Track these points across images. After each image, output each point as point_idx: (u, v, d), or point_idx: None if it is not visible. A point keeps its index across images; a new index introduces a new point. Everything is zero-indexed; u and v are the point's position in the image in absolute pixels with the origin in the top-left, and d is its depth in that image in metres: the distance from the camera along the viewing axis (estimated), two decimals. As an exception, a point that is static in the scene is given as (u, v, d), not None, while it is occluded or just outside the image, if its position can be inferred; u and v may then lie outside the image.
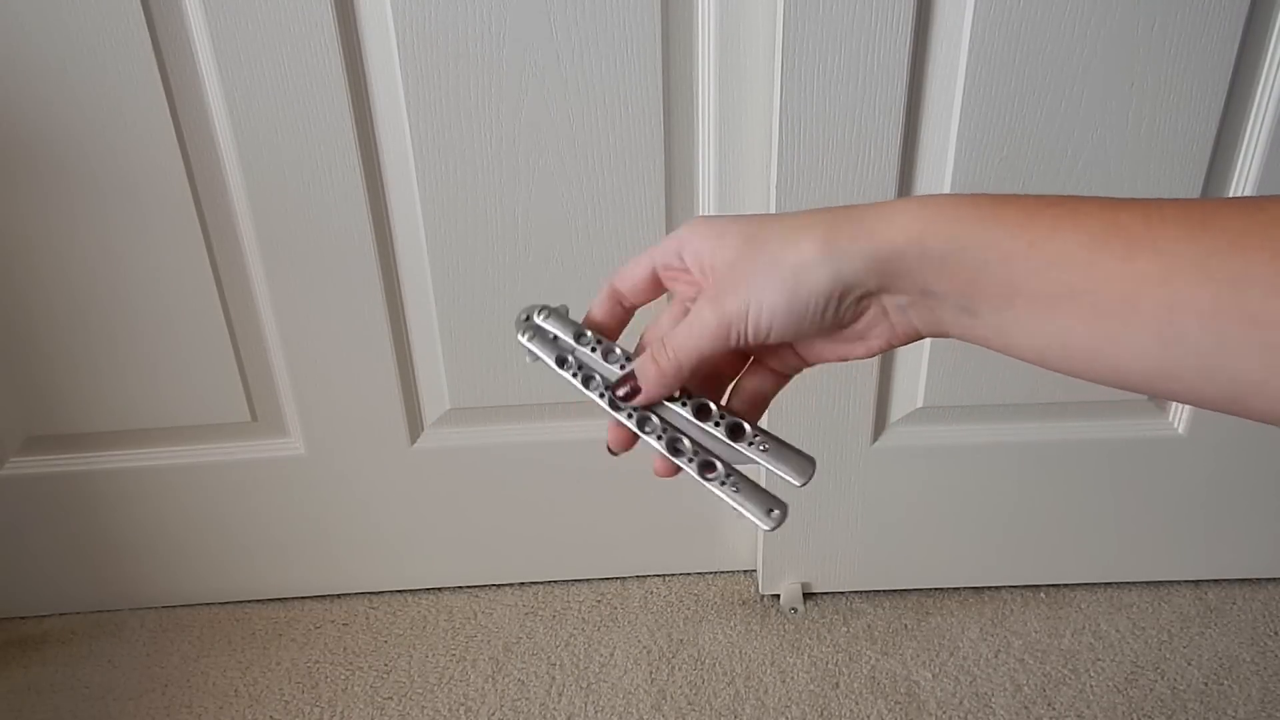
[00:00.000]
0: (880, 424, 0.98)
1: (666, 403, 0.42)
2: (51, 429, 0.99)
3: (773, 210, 0.84)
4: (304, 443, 1.01)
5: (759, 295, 0.37)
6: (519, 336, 0.45)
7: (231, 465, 1.02)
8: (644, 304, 0.45)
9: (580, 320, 0.45)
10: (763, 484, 0.41)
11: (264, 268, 0.90)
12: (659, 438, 0.42)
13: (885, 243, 0.35)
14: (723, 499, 0.40)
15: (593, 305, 0.45)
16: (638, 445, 0.43)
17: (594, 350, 0.44)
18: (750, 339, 0.38)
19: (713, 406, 0.41)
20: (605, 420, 0.44)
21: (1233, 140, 0.83)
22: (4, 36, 0.78)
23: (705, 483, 0.41)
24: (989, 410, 0.97)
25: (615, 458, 0.45)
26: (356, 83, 0.81)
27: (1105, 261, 0.31)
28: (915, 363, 0.94)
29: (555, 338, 0.44)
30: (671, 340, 0.40)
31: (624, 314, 0.45)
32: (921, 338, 0.38)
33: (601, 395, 0.43)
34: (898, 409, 0.97)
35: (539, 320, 0.45)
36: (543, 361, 0.44)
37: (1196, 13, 0.76)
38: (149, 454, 1.01)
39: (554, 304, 0.45)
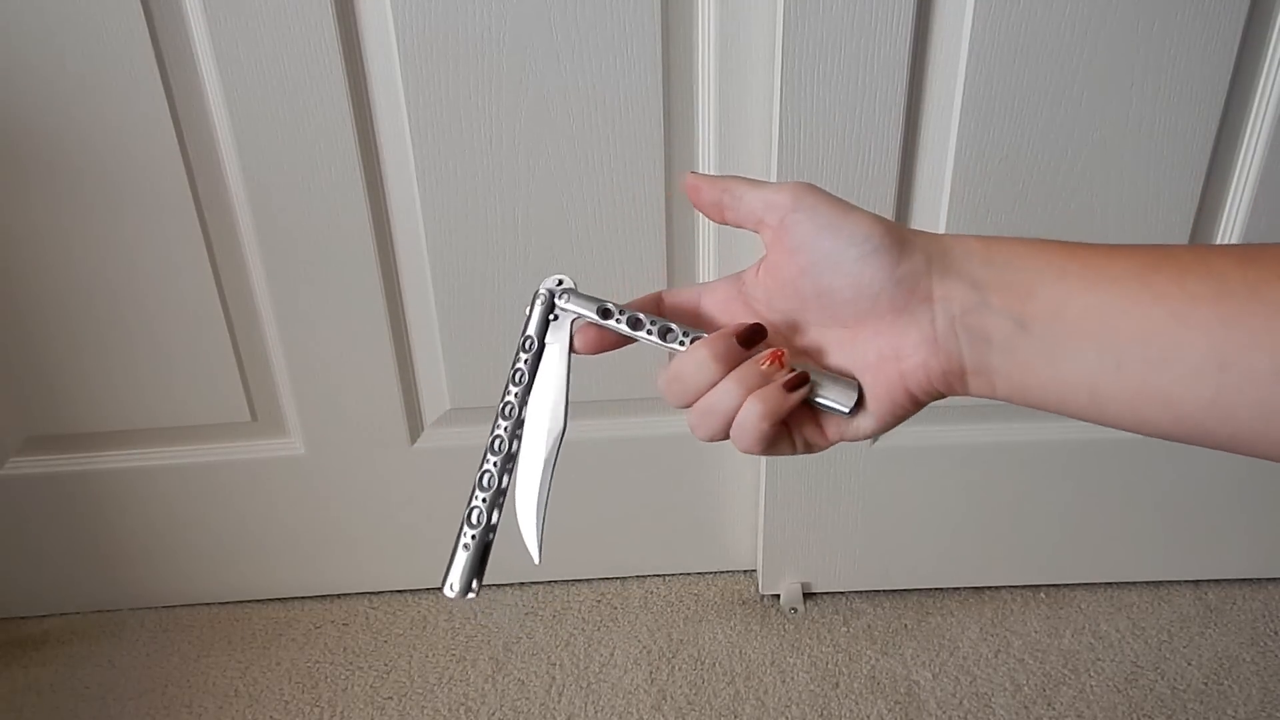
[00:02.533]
0: (880, 424, 0.98)
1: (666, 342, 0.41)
2: (51, 429, 0.99)
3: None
4: (304, 443, 1.01)
5: (818, 205, 0.37)
6: (560, 302, 0.44)
7: (231, 465, 1.01)
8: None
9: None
10: None
11: (264, 268, 0.90)
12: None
13: (957, 241, 0.36)
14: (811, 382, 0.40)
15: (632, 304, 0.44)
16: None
17: (619, 321, 0.43)
18: (791, 237, 0.38)
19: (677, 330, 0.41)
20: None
21: (1233, 140, 0.83)
22: (4, 36, 0.78)
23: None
24: (989, 410, 0.97)
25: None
26: (356, 83, 0.81)
27: (1158, 282, 0.32)
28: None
29: (577, 317, 0.44)
30: (739, 186, 0.40)
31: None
32: (961, 372, 0.36)
33: (649, 333, 0.41)
34: (898, 409, 0.97)
35: (561, 303, 0.44)
36: (587, 319, 0.43)
37: (1196, 13, 0.76)
38: (149, 454, 1.01)
39: (567, 283, 0.45)
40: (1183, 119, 0.81)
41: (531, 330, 0.44)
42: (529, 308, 0.44)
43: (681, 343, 0.41)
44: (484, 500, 0.43)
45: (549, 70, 0.80)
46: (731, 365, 0.38)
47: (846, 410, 0.38)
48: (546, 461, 0.43)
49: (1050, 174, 0.83)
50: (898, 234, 0.36)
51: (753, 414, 0.38)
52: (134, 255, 0.89)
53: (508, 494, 0.44)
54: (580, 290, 0.44)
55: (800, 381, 0.38)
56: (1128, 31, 0.77)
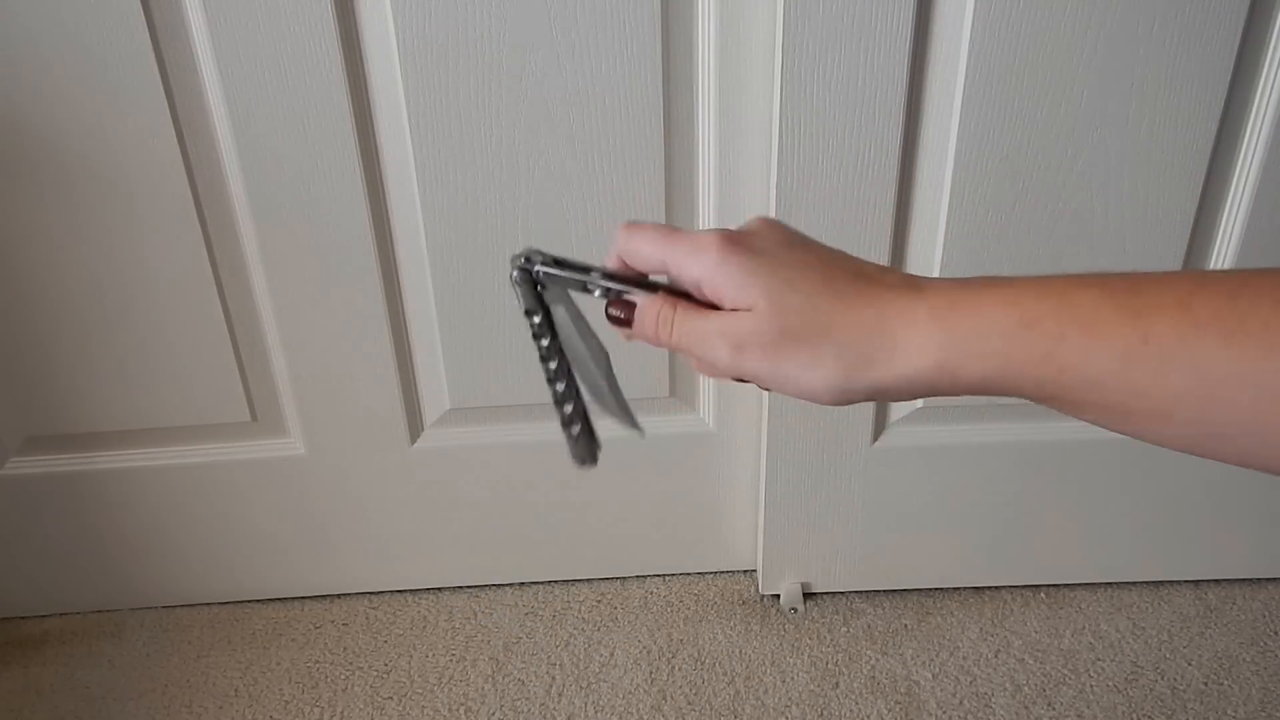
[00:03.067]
0: (880, 424, 0.98)
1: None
2: (51, 429, 0.99)
3: (772, 210, 0.84)
4: (304, 443, 1.01)
5: (804, 377, 0.38)
6: (537, 266, 0.45)
7: (231, 465, 1.02)
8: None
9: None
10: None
11: (264, 268, 0.90)
12: (554, 370, 0.47)
13: (916, 374, 0.36)
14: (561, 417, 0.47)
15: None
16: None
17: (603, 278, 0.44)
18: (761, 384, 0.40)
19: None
20: (603, 421, 0.47)
21: (1233, 140, 0.83)
22: (4, 36, 0.78)
23: (555, 406, 0.46)
24: (989, 410, 0.97)
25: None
26: (356, 83, 0.81)
27: (1148, 287, 0.34)
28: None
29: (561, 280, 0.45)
30: (682, 328, 0.40)
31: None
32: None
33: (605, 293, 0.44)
34: (898, 409, 0.97)
35: (542, 268, 0.45)
36: (558, 277, 0.44)
37: (1196, 13, 0.76)
38: (149, 454, 1.01)
39: (545, 253, 0.45)
40: (1183, 119, 0.81)
41: (529, 305, 0.46)
42: (514, 287, 0.45)
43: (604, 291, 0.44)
44: (564, 387, 0.47)
45: (549, 70, 0.80)
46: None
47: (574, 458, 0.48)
48: (610, 383, 0.46)
49: (1050, 174, 0.83)
50: (858, 387, 0.38)
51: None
52: (134, 255, 0.89)
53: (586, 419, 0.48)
54: (545, 258, 0.45)
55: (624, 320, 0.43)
56: (1128, 31, 0.77)
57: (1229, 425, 0.31)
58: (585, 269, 0.44)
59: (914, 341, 0.36)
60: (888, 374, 0.36)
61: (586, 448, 0.48)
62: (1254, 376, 0.30)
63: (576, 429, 0.47)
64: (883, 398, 0.38)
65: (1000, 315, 0.35)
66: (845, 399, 0.38)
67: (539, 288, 0.45)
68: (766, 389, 0.40)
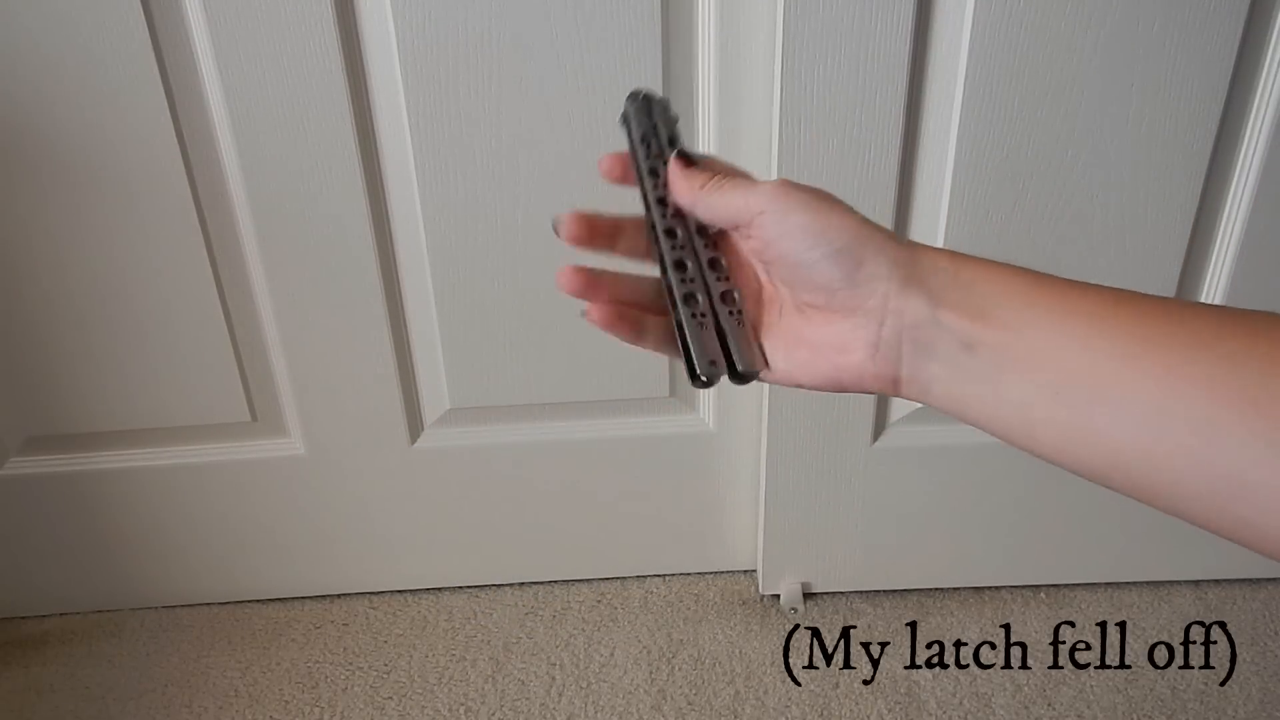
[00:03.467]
0: (880, 424, 0.98)
1: (697, 238, 0.42)
2: (51, 429, 0.99)
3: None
4: (304, 443, 1.01)
5: (793, 205, 0.38)
6: (627, 119, 0.46)
7: (231, 465, 1.02)
8: None
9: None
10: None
11: (264, 268, 0.90)
12: (673, 247, 0.42)
13: (930, 256, 0.37)
14: (681, 325, 0.40)
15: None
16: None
17: (652, 168, 0.45)
18: (756, 242, 0.39)
19: (724, 262, 0.42)
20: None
21: (1233, 140, 0.83)
22: (4, 36, 0.78)
23: (678, 308, 0.40)
24: (989, 410, 0.97)
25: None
26: (356, 83, 0.81)
27: (1119, 314, 0.32)
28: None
29: (656, 125, 0.45)
30: (721, 185, 0.41)
31: None
32: (891, 385, 0.38)
33: (654, 189, 0.44)
34: (898, 409, 0.97)
35: (648, 111, 0.45)
36: (633, 151, 0.45)
37: (1196, 13, 0.76)
38: (149, 454, 1.01)
39: (654, 94, 0.46)
40: (1183, 119, 0.81)
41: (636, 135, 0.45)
42: (632, 122, 0.45)
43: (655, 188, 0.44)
44: (689, 285, 0.41)
45: (549, 70, 0.80)
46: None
47: (690, 378, 0.39)
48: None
49: (1050, 174, 0.83)
50: (866, 238, 0.37)
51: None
52: (134, 255, 0.89)
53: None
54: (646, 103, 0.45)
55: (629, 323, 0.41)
56: (1128, 31, 0.77)
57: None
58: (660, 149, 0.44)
59: (931, 258, 0.37)
60: (905, 240, 0.37)
61: (709, 349, 0.40)
62: (1213, 342, 0.30)
63: (703, 319, 0.40)
64: (878, 261, 0.37)
65: (1006, 274, 0.36)
66: (855, 255, 0.36)
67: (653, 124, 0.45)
68: (775, 235, 0.38)
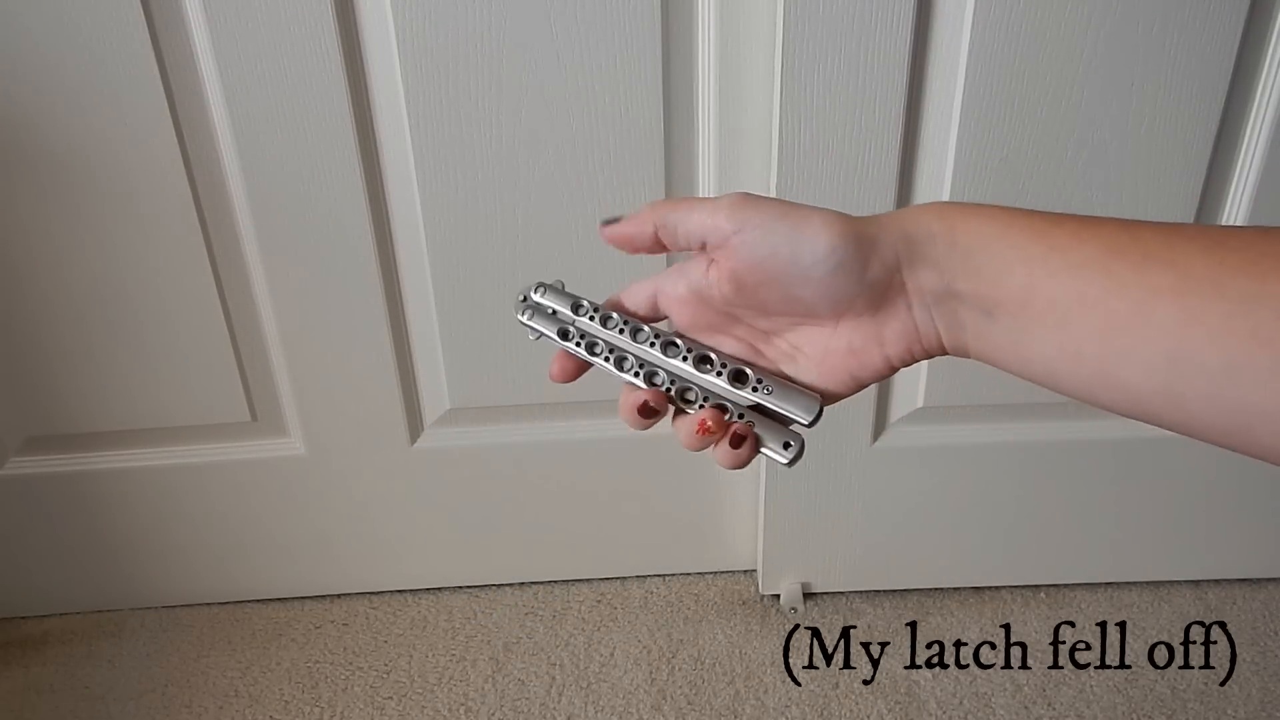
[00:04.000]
0: (880, 424, 0.98)
1: (667, 359, 0.42)
2: (51, 429, 0.99)
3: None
4: (304, 443, 1.01)
5: (767, 223, 0.36)
6: (519, 316, 0.45)
7: (231, 465, 1.02)
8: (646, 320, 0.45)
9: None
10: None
11: (264, 268, 0.90)
12: (668, 389, 0.41)
13: (920, 225, 0.36)
14: (752, 429, 0.40)
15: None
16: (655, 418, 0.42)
17: (592, 318, 0.44)
18: (740, 261, 0.37)
19: (713, 355, 0.41)
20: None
21: (1233, 140, 0.83)
22: (4, 36, 0.78)
23: (736, 393, 0.40)
24: (989, 410, 0.97)
25: (637, 433, 0.44)
26: (356, 83, 0.81)
27: (1121, 271, 0.32)
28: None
29: (555, 312, 0.45)
30: (677, 200, 0.39)
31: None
32: (943, 352, 0.38)
33: (607, 359, 0.43)
34: (898, 409, 0.97)
35: (536, 297, 0.45)
36: (546, 337, 0.44)
37: (1196, 13, 0.76)
38: (149, 454, 1.01)
39: (549, 280, 0.46)
40: (1183, 119, 0.81)
41: (551, 332, 0.44)
42: (526, 318, 0.45)
43: (608, 359, 0.42)
44: (708, 403, 0.41)
45: (549, 70, 0.80)
46: (659, 417, 0.41)
47: (785, 462, 0.39)
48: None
49: (1050, 174, 0.83)
50: (857, 236, 0.36)
51: (718, 460, 0.39)
52: (134, 255, 0.89)
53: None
54: (554, 286, 0.45)
55: (742, 437, 0.39)
56: (1128, 31, 0.77)
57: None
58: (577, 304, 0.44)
59: (918, 207, 0.36)
60: (884, 217, 0.36)
61: (774, 435, 0.39)
62: (1229, 284, 0.30)
63: (744, 417, 0.39)
64: (879, 256, 0.36)
65: (1003, 208, 0.36)
66: (842, 251, 0.35)
67: (551, 312, 0.45)
68: (757, 264, 0.37)
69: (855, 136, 0.81)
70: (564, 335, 0.44)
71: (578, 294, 0.45)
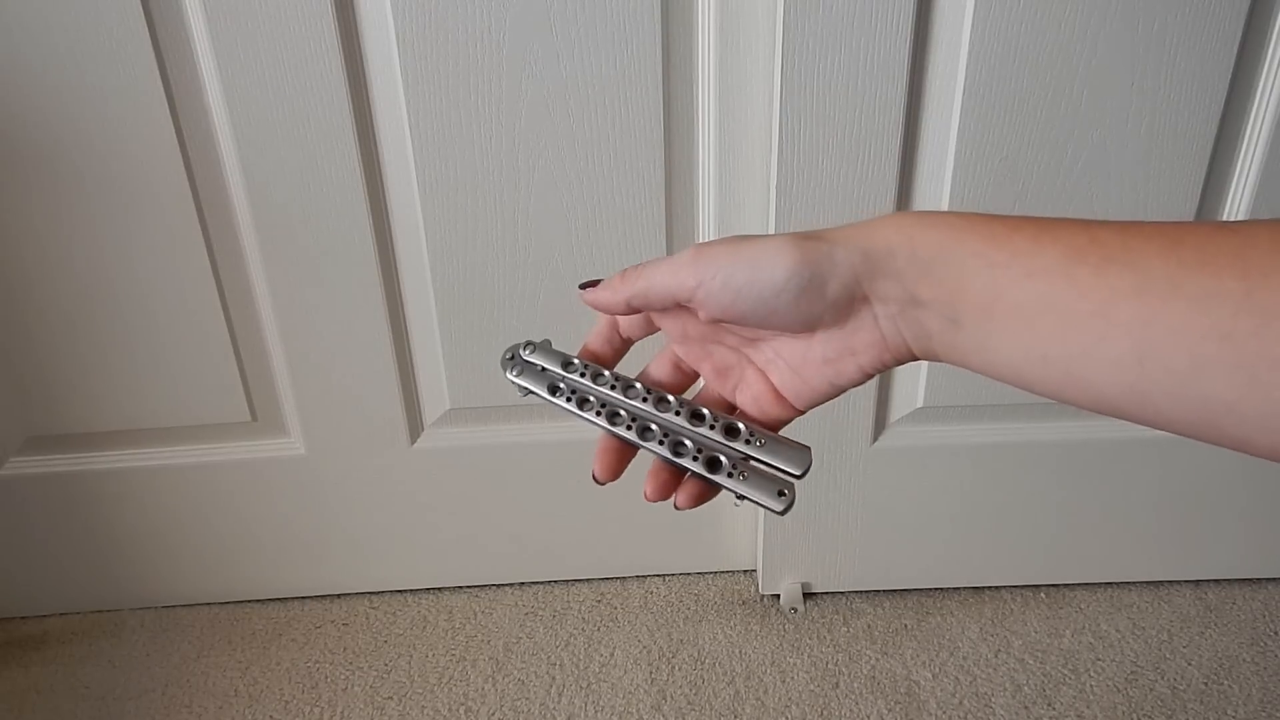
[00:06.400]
0: (880, 424, 0.98)
1: (659, 414, 0.43)
2: (51, 429, 0.99)
3: (771, 210, 0.84)
4: (304, 443, 1.01)
5: (725, 269, 0.38)
6: (507, 375, 0.45)
7: (231, 465, 1.02)
8: (640, 338, 0.46)
9: (578, 350, 0.46)
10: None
11: (264, 268, 0.90)
12: (660, 443, 0.42)
13: (878, 240, 0.36)
14: (733, 490, 0.41)
15: (590, 336, 0.46)
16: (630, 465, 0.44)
17: (583, 375, 0.44)
18: (703, 312, 0.39)
19: (706, 412, 0.42)
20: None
21: (1232, 140, 0.83)
22: (4, 36, 0.78)
23: (713, 477, 0.41)
24: (989, 410, 0.97)
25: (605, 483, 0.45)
26: (356, 83, 0.81)
27: (1081, 275, 0.32)
28: (915, 362, 0.94)
29: (544, 369, 0.45)
30: (642, 266, 0.41)
31: (621, 344, 0.46)
32: (913, 358, 0.38)
33: (598, 414, 0.43)
34: (898, 409, 0.97)
35: (525, 355, 0.46)
36: (535, 394, 0.45)
37: (1196, 13, 0.76)
38: (149, 454, 1.01)
39: (536, 339, 0.46)
40: (1183, 119, 0.81)
41: (541, 389, 0.45)
42: (514, 375, 0.46)
43: (599, 413, 0.43)
44: (702, 456, 0.42)
45: (549, 70, 0.80)
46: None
47: (779, 510, 0.40)
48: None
49: (1050, 174, 0.83)
50: (814, 259, 0.37)
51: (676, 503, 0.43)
52: (134, 255, 0.89)
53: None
54: (543, 345, 0.46)
55: (698, 497, 0.42)
56: (1128, 31, 0.77)
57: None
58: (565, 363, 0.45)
59: (878, 220, 0.37)
60: (841, 233, 0.37)
61: (767, 485, 0.40)
62: (1187, 283, 0.30)
63: (736, 469, 0.41)
64: (838, 275, 0.37)
65: (964, 215, 0.36)
66: (800, 276, 0.37)
67: (540, 369, 0.45)
68: (725, 304, 0.38)
69: (855, 136, 0.81)
70: (553, 391, 0.44)
71: (567, 352, 0.45)
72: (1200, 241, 0.30)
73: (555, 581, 1.12)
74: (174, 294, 0.91)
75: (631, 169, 0.85)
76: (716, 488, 0.42)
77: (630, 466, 0.45)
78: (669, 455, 0.42)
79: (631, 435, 0.42)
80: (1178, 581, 1.09)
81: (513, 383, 0.45)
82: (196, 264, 0.89)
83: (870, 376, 0.40)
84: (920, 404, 0.96)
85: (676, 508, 0.42)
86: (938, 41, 0.78)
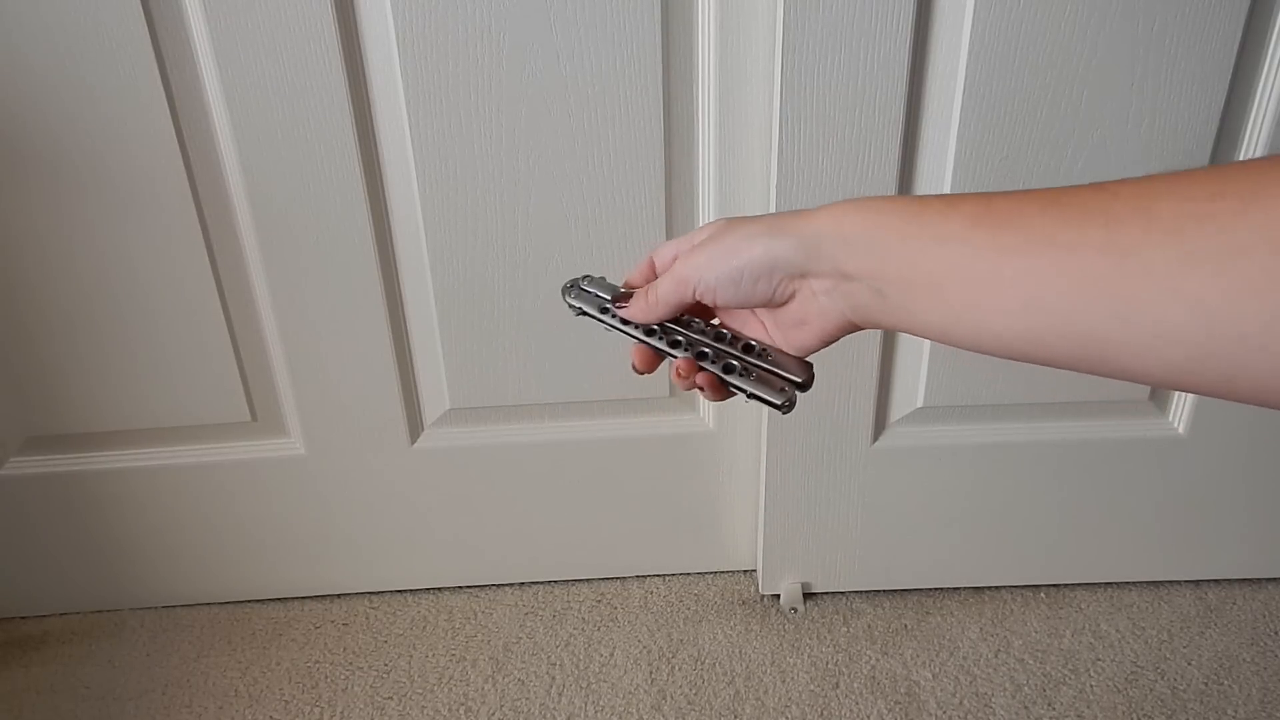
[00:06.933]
0: (880, 424, 0.98)
1: (689, 331, 0.50)
2: (51, 429, 0.99)
3: (771, 209, 0.84)
4: (304, 443, 1.01)
5: (708, 266, 0.46)
6: (566, 299, 0.54)
7: (231, 465, 1.02)
8: None
9: (621, 283, 0.54)
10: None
11: (264, 268, 0.90)
12: (685, 350, 0.49)
13: (812, 228, 0.42)
14: (743, 389, 0.48)
15: (633, 273, 0.53)
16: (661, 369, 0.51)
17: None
18: (706, 299, 0.47)
19: (727, 332, 0.49)
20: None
21: (1233, 140, 0.83)
22: (4, 36, 0.78)
23: (726, 377, 0.48)
24: (989, 410, 0.97)
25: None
26: (356, 83, 0.81)
27: (978, 239, 0.37)
28: (915, 363, 0.94)
29: (596, 295, 0.53)
30: (655, 287, 0.49)
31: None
32: (856, 328, 0.44)
33: (637, 327, 0.51)
34: (898, 409, 0.97)
35: (584, 286, 0.54)
36: (587, 314, 0.52)
37: (1196, 13, 0.76)
38: (149, 454, 1.01)
39: (595, 274, 0.55)
40: (1183, 119, 0.81)
41: (593, 309, 0.52)
42: (572, 298, 0.53)
43: (638, 327, 0.51)
44: (719, 361, 0.49)
45: (549, 70, 0.80)
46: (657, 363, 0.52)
47: (779, 404, 0.47)
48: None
49: (1050, 174, 0.83)
50: (764, 251, 0.44)
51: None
52: (134, 255, 0.89)
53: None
54: (599, 279, 0.54)
55: (715, 389, 0.49)
56: (1128, 31, 0.77)
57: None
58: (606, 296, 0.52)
59: (826, 207, 0.43)
60: (788, 223, 0.43)
61: (773, 386, 0.48)
62: (1060, 235, 0.34)
63: (748, 373, 0.48)
64: (780, 260, 0.43)
65: (898, 198, 0.41)
66: (763, 253, 0.43)
67: (594, 296, 0.53)
68: (713, 296, 0.46)
69: (855, 136, 0.81)
70: (603, 311, 0.52)
71: (617, 285, 0.53)
72: (1075, 200, 0.35)
73: (555, 581, 1.12)
74: (174, 294, 0.91)
75: (631, 168, 0.85)
76: (730, 389, 0.48)
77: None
78: (691, 357, 0.49)
79: (663, 345, 0.50)
80: (1178, 581, 1.09)
81: (570, 305, 0.53)
82: (196, 264, 0.89)
83: (832, 338, 0.46)
84: (920, 404, 0.96)
85: (700, 388, 0.49)
86: (938, 41, 0.78)
